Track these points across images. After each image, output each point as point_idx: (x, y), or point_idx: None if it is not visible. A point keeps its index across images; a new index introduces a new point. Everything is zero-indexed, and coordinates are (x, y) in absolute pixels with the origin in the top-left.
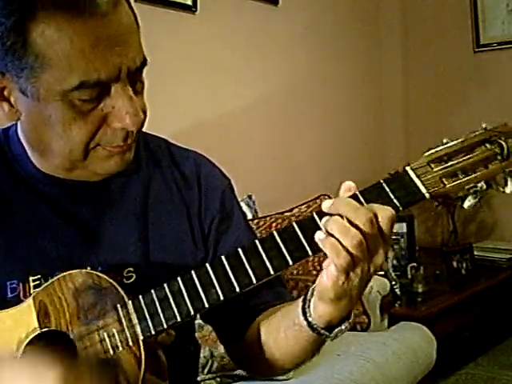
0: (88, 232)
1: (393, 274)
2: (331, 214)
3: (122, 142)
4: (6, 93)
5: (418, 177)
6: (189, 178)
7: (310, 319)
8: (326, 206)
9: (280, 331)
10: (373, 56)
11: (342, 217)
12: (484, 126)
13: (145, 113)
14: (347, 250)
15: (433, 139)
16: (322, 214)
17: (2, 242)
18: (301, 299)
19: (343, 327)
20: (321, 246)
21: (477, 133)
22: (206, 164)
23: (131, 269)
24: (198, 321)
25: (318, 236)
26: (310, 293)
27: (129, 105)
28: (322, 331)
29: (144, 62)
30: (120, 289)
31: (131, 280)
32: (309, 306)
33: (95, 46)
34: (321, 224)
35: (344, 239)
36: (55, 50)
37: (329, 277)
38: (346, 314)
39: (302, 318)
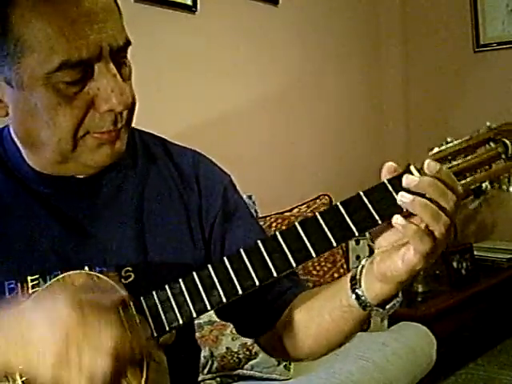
0: (84, 231)
1: None
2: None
3: (112, 126)
4: None
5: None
6: (187, 176)
7: (362, 298)
8: (408, 181)
9: (324, 315)
10: (373, 56)
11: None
12: (488, 124)
13: (133, 98)
14: (433, 236)
15: (433, 139)
16: (325, 215)
17: None
18: (348, 279)
19: (395, 302)
20: (400, 229)
21: (481, 131)
22: (204, 162)
23: (129, 268)
24: (198, 321)
25: (397, 220)
26: (358, 272)
27: (114, 83)
28: (375, 308)
29: (127, 43)
30: (121, 290)
31: (129, 280)
32: (360, 286)
33: (73, 24)
34: (400, 200)
35: (433, 225)
36: (34, 32)
37: (406, 263)
38: (397, 290)
39: (352, 298)
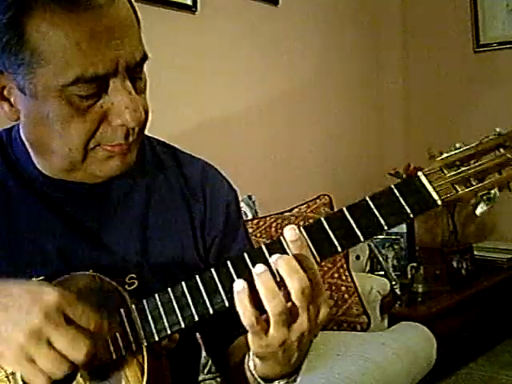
0: (91, 236)
1: (393, 274)
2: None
3: (123, 139)
4: (5, 92)
5: (430, 183)
6: (194, 187)
7: (250, 367)
8: (273, 259)
9: (239, 363)
10: (373, 56)
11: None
12: (498, 130)
13: (146, 112)
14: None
15: (433, 139)
16: (330, 220)
17: (5, 243)
18: None
19: (285, 382)
20: (235, 298)
21: (490, 137)
22: (212, 174)
23: (133, 275)
24: None
25: (237, 287)
26: None
27: (128, 100)
28: (260, 381)
29: (144, 58)
30: (124, 292)
31: (133, 286)
32: (249, 355)
33: (91, 39)
34: (253, 270)
35: (268, 303)
36: (50, 44)
37: (248, 334)
38: (282, 372)
39: (246, 364)
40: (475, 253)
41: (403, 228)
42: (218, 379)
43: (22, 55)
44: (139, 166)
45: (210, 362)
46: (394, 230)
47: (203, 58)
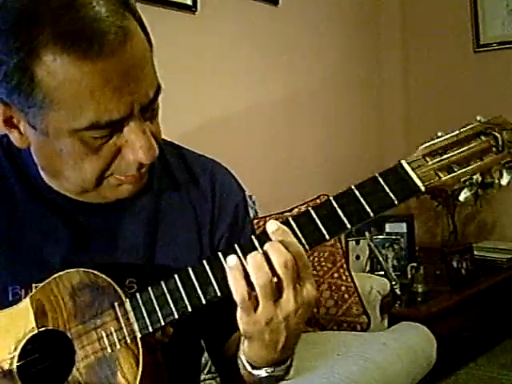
0: (96, 240)
1: (393, 274)
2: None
3: (136, 171)
4: (15, 121)
5: (413, 170)
6: (203, 188)
7: (240, 352)
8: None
9: (233, 354)
10: (373, 56)
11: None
12: (478, 118)
13: (158, 138)
14: (251, 287)
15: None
16: (317, 209)
17: (8, 245)
18: None
19: (262, 371)
20: (228, 274)
21: (472, 125)
22: (221, 173)
23: (133, 279)
24: None
25: (230, 262)
26: None
27: (142, 139)
28: (247, 366)
29: (158, 91)
30: (117, 287)
31: (132, 290)
32: (242, 342)
33: (104, 87)
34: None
35: (254, 275)
36: (63, 90)
37: (237, 312)
38: (269, 357)
39: (238, 352)
40: (475, 253)
41: (403, 228)
42: (218, 379)
43: (32, 98)
44: (147, 170)
45: (210, 362)
46: (394, 230)
47: (203, 58)
